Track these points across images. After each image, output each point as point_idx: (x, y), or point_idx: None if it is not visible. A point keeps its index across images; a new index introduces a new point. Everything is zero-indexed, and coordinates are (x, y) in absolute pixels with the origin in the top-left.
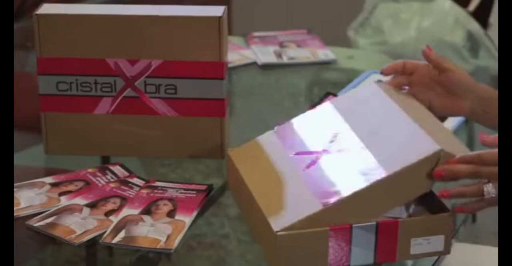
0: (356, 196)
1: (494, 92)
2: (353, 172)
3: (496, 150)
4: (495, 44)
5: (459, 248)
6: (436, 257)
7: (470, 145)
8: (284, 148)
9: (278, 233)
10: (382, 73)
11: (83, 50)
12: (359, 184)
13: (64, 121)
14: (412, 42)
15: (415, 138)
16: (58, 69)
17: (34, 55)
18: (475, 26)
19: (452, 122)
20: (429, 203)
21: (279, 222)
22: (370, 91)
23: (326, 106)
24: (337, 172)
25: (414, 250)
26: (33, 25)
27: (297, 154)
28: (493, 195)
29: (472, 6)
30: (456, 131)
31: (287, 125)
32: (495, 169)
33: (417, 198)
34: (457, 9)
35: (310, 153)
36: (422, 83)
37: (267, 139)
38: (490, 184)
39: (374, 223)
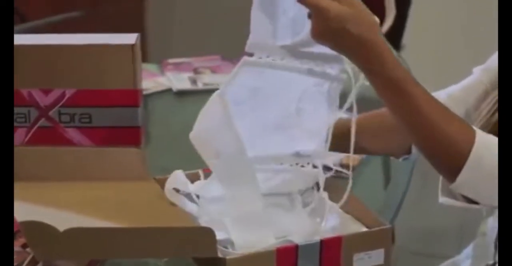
0: None
1: None
2: None
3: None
4: (408, 66)
5: None
6: None
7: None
8: None
9: (227, 257)
10: None
11: None
12: None
13: None
14: None
15: None
16: None
17: None
18: None
19: None
20: (366, 218)
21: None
22: None
23: None
24: None
25: (356, 265)
26: None
27: None
28: None
29: (385, 28)
30: None
31: None
32: None
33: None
34: None
35: None
36: None
37: None
38: None
39: (318, 240)
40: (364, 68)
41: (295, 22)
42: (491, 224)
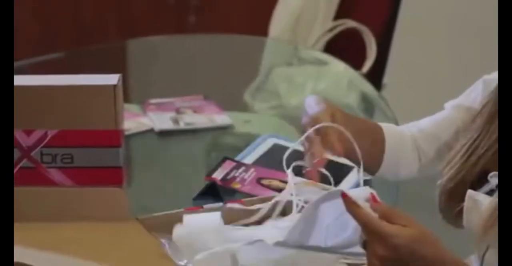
0: None
1: None
2: None
3: (401, 239)
4: (389, 105)
5: None
6: None
7: None
8: None
9: None
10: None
11: None
12: None
13: None
14: None
15: None
16: None
17: None
18: (368, 88)
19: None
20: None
21: None
22: None
23: None
24: None
25: None
26: None
27: None
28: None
29: (366, 68)
30: None
31: None
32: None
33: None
34: (351, 71)
35: None
36: None
37: None
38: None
39: None
40: None
41: (328, 230)
42: (474, 261)
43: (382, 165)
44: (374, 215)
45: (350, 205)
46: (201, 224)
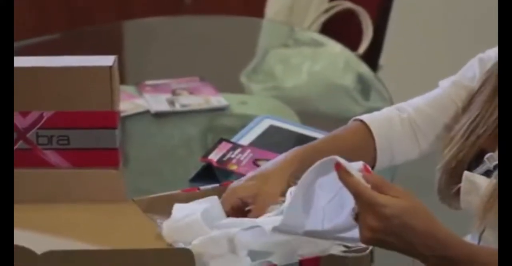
0: None
1: None
2: None
3: (392, 209)
4: (385, 86)
5: None
6: None
7: None
8: None
9: None
10: None
11: None
12: None
13: None
14: (304, 86)
15: None
16: None
17: None
18: (365, 69)
19: None
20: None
21: None
22: None
23: None
24: None
25: None
26: None
27: None
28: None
29: (362, 49)
30: None
31: None
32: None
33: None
34: (347, 52)
35: None
36: None
37: None
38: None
39: (297, 261)
40: (426, 255)
41: (324, 212)
42: (470, 240)
43: (377, 159)
44: (367, 186)
45: (343, 174)
46: (185, 220)
